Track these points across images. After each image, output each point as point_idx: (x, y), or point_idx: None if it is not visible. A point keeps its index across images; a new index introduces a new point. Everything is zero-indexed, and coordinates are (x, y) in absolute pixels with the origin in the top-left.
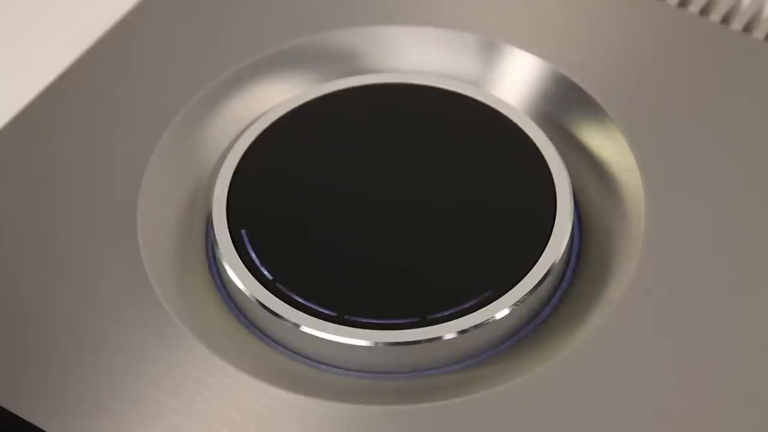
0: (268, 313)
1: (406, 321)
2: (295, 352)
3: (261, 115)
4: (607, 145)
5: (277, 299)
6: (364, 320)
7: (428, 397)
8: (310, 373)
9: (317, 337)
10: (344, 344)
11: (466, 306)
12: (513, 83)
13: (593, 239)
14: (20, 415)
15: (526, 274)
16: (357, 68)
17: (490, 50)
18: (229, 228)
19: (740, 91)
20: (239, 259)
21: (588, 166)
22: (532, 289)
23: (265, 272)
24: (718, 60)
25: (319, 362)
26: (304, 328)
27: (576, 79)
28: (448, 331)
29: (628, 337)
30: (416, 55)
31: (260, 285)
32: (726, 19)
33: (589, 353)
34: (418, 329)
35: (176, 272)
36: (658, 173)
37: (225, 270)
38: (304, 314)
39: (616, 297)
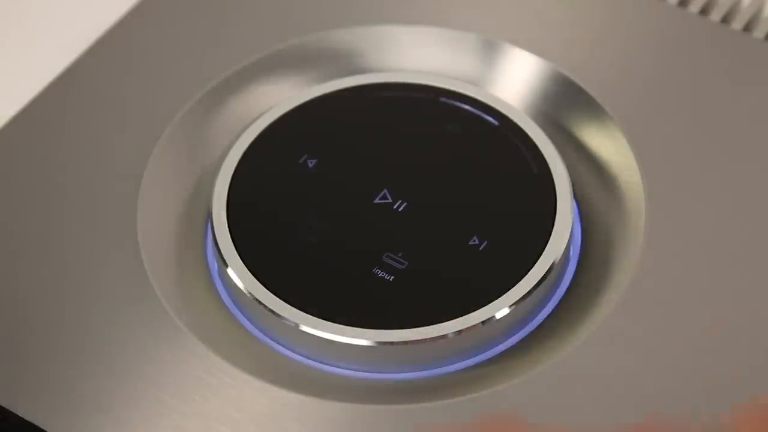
0: (268, 313)
1: (406, 320)
2: (295, 352)
3: (261, 115)
4: (607, 145)
5: (277, 299)
6: (365, 320)
7: (428, 397)
8: (310, 373)
9: (317, 336)
10: (344, 344)
11: (466, 305)
12: (513, 83)
13: (593, 239)
14: (20, 415)
15: (526, 274)
16: (357, 68)
17: (490, 49)
18: (229, 228)
19: (740, 91)
20: (239, 258)
21: (588, 166)
22: (532, 288)
23: (265, 272)
24: (718, 60)
25: (319, 361)
26: (304, 328)
27: (576, 79)
28: (448, 330)
29: (628, 337)
30: (416, 55)
31: (260, 285)
32: (726, 19)
33: (589, 353)
34: (418, 329)
35: (176, 272)
36: (658, 173)
37: (225, 270)
38: (304, 313)
39: (616, 297)
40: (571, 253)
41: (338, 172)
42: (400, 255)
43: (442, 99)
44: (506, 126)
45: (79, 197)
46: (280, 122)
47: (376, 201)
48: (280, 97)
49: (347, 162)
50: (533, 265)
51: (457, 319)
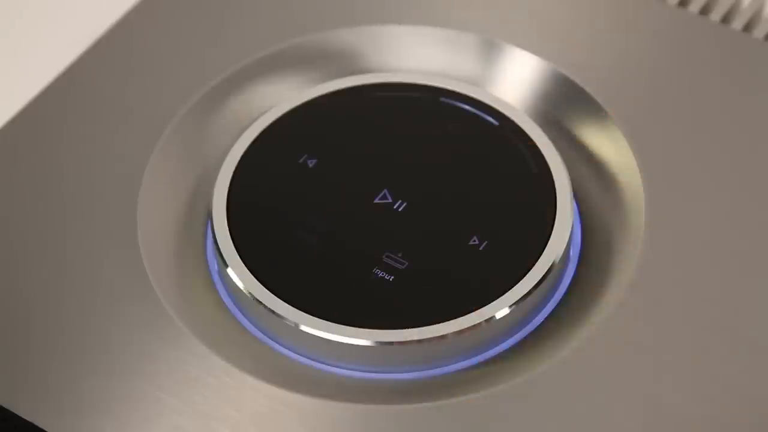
0: (268, 313)
1: (406, 320)
2: (295, 352)
3: (261, 115)
4: (607, 145)
5: (277, 299)
6: (365, 319)
7: (428, 397)
8: (310, 373)
9: (317, 336)
10: (344, 343)
11: (466, 305)
12: (513, 83)
13: (593, 239)
14: (21, 415)
15: (526, 274)
16: (357, 68)
17: (490, 49)
18: (229, 228)
19: (740, 91)
20: (239, 258)
21: (588, 166)
22: (531, 288)
23: (265, 272)
24: (718, 60)
25: (319, 361)
26: (304, 328)
27: (576, 79)
28: (448, 330)
29: (629, 337)
30: (416, 55)
31: (260, 284)
32: (726, 19)
33: (589, 353)
34: (418, 329)
35: (176, 272)
36: (658, 173)
37: (225, 270)
38: (304, 313)
39: (616, 297)
40: (571, 253)
41: (338, 172)
42: (400, 255)
43: (443, 99)
44: (506, 126)
45: (79, 197)
46: (280, 122)
47: (376, 201)
48: (280, 97)
49: (347, 162)
50: (533, 265)
51: (457, 319)
